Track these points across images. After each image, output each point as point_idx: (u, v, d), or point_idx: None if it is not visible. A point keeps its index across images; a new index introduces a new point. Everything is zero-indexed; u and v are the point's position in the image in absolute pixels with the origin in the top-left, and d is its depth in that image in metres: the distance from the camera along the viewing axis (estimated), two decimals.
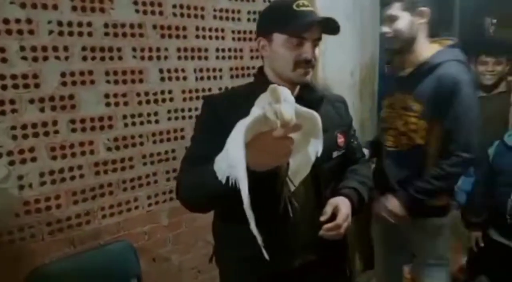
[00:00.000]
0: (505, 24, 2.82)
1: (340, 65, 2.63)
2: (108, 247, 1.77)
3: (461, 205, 2.29)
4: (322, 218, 1.16)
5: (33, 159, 1.58)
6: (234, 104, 1.10)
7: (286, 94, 0.89)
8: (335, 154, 1.28)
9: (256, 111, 0.92)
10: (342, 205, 1.19)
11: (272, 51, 1.19)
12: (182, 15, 1.94)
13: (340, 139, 1.30)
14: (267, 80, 1.23)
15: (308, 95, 1.24)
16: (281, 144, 0.92)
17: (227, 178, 0.94)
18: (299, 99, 1.04)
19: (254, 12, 2.24)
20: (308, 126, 1.01)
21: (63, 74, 1.61)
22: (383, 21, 1.77)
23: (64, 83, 1.62)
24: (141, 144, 1.87)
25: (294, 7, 1.14)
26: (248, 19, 2.22)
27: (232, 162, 0.92)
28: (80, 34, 1.64)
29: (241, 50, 2.21)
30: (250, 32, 2.24)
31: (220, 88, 2.14)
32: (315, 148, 1.08)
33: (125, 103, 1.80)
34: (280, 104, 0.87)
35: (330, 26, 1.16)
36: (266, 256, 0.96)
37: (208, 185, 1.01)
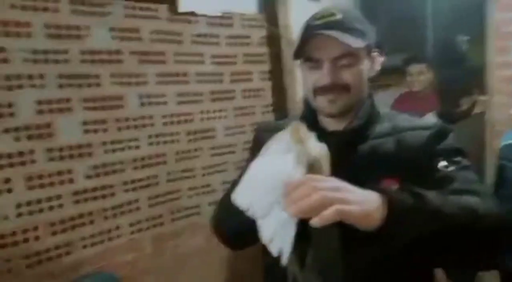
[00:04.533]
0: (477, 41, 2.89)
1: None
2: (90, 279, 1.71)
3: None
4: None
5: (9, 190, 1.53)
6: None
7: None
8: None
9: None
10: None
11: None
12: (160, 40, 1.95)
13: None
14: (312, 109, 1.03)
15: (352, 128, 0.98)
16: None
17: None
18: (336, 135, 0.96)
19: (233, 36, 2.26)
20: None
21: (39, 103, 1.59)
22: None
23: (40, 112, 1.59)
24: (122, 170, 1.83)
25: (310, 21, 0.95)
26: (227, 44, 2.25)
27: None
28: (56, 61, 1.63)
29: (220, 74, 2.22)
30: (229, 56, 2.26)
31: (201, 112, 2.13)
32: None
33: (104, 130, 1.77)
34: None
35: (345, 38, 0.89)
36: None
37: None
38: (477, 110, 2.56)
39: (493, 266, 0.83)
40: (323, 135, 0.90)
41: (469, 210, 0.78)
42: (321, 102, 0.95)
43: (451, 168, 0.90)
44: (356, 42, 0.89)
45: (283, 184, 0.73)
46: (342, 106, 0.94)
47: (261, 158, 0.82)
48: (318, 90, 0.94)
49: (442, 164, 0.90)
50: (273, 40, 2.46)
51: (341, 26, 0.90)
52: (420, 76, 2.86)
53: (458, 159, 0.92)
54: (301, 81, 1.02)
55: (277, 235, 0.74)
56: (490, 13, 2.28)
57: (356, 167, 0.90)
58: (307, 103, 1.04)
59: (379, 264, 0.87)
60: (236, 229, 0.96)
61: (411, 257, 0.81)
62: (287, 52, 2.45)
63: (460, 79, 2.60)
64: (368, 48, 0.96)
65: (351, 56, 0.92)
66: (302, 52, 0.94)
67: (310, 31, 0.92)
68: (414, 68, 2.87)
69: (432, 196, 0.76)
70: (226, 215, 0.98)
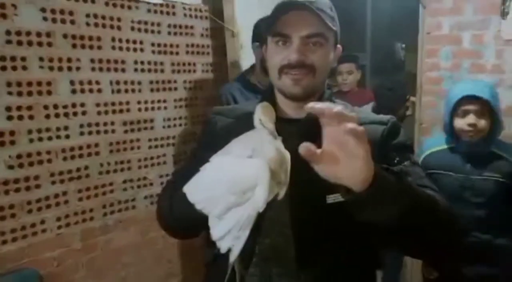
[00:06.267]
0: (412, 49, 3.03)
1: None
2: (10, 277, 1.59)
3: None
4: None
5: None
6: (238, 121, 0.99)
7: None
8: (331, 199, 0.88)
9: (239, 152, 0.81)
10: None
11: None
12: (96, 25, 1.84)
13: None
14: (272, 95, 1.03)
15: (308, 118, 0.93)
16: None
17: None
18: (298, 123, 0.95)
19: (175, 26, 2.20)
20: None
21: None
22: None
23: None
24: (49, 161, 1.71)
25: None
26: (169, 33, 2.17)
27: None
28: None
29: (161, 63, 2.15)
30: (171, 45, 2.19)
31: (139, 102, 2.05)
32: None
33: (31, 117, 1.65)
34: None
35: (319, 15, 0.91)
36: None
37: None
38: (409, 112, 2.69)
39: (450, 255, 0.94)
40: (282, 124, 0.90)
41: (435, 202, 0.85)
42: (286, 82, 0.95)
43: (405, 163, 0.95)
44: (330, 23, 0.92)
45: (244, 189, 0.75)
46: (306, 87, 0.94)
47: (223, 158, 0.81)
48: (284, 68, 0.94)
49: (397, 159, 0.95)
50: (217, 32, 2.42)
51: (316, 6, 0.91)
52: (350, 75, 2.97)
53: (410, 155, 0.99)
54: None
55: (230, 235, 0.74)
56: (421, 18, 2.38)
57: None
58: (267, 91, 1.04)
59: (329, 249, 0.92)
60: (183, 220, 0.93)
61: (366, 237, 0.88)
62: (231, 44, 2.42)
63: (398, 85, 2.69)
64: (335, 37, 0.98)
65: (321, 37, 0.93)
66: (274, 27, 0.93)
67: (286, 7, 0.92)
68: (344, 67, 2.94)
69: (409, 182, 0.83)
70: (174, 205, 0.94)
